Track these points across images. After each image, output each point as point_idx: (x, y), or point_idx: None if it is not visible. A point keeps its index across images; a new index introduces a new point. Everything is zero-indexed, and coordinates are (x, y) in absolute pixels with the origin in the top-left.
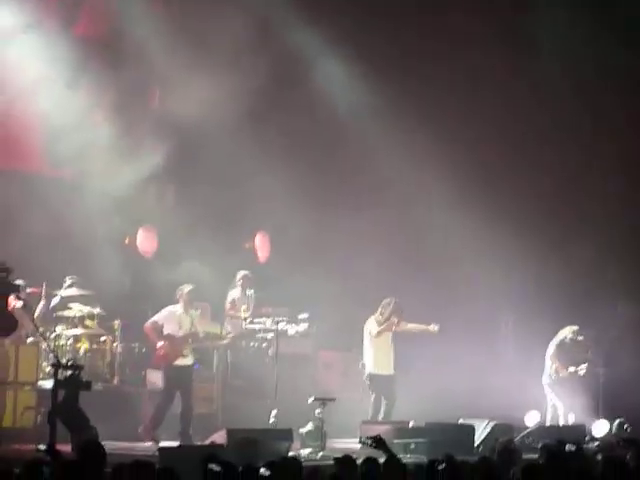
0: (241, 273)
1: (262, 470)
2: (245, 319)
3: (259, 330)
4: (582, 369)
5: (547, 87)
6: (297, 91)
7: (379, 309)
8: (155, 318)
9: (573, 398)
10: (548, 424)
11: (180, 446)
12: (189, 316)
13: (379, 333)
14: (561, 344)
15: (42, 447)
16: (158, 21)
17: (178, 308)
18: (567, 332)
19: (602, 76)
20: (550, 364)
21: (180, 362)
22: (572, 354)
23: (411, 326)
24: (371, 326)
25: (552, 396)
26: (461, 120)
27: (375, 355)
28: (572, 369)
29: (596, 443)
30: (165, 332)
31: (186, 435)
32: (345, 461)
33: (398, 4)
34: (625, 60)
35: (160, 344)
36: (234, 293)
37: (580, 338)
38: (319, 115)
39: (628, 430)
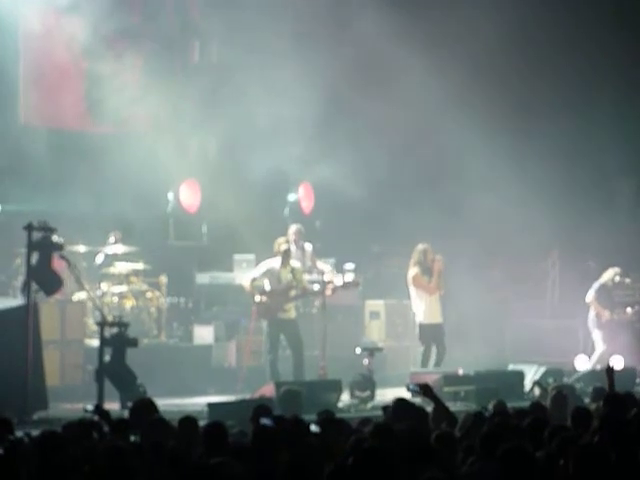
0: (293, 227)
1: (312, 427)
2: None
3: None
4: (628, 312)
5: None
6: None
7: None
8: (254, 274)
9: (619, 341)
10: (599, 368)
11: (229, 401)
12: (288, 269)
13: (429, 285)
14: (601, 288)
15: (89, 407)
16: None
17: (275, 262)
18: (610, 274)
19: None
20: (591, 308)
21: (283, 316)
22: (619, 297)
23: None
24: (410, 274)
25: (597, 339)
26: None
27: (423, 304)
28: (620, 311)
29: None
30: (265, 287)
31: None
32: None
33: None
34: None
35: (258, 299)
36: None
37: (627, 280)
38: None
39: None
